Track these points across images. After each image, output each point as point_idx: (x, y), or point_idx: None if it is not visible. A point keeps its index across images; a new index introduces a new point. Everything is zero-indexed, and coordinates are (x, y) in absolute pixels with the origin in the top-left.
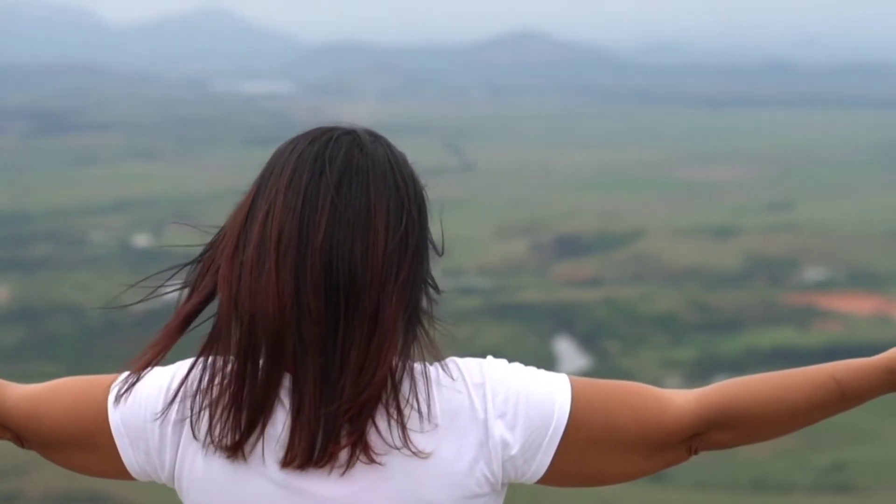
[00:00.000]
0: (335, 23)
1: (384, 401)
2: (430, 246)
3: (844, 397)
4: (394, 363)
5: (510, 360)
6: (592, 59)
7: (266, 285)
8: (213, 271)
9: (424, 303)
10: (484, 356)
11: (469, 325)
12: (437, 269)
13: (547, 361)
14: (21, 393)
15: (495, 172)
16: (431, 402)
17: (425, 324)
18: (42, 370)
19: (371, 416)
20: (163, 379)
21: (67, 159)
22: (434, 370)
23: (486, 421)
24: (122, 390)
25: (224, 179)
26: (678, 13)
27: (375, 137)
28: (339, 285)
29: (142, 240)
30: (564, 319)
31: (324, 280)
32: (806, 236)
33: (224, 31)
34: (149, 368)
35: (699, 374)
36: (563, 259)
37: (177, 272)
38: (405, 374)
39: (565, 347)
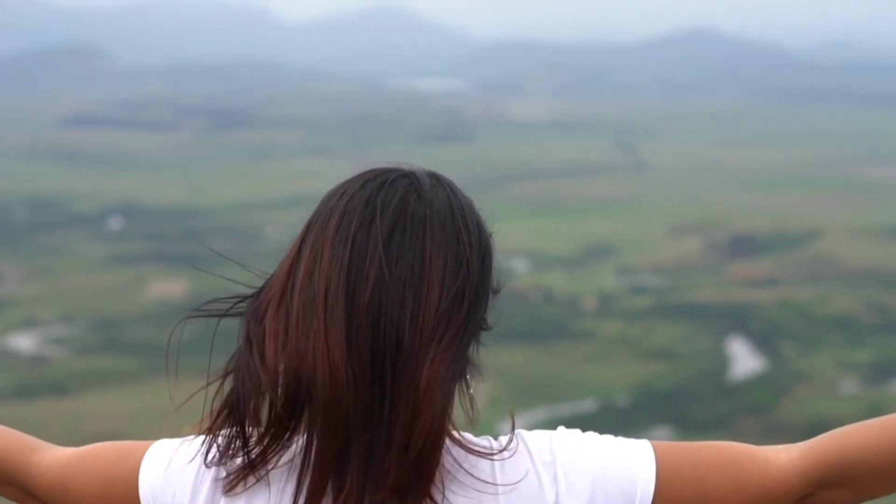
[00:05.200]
0: (507, 20)
1: (438, 482)
2: (490, 292)
3: None
4: (447, 438)
5: (679, 362)
6: (767, 56)
7: (314, 347)
8: (255, 323)
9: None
10: (556, 427)
11: (641, 325)
12: (610, 267)
13: (720, 362)
14: (50, 461)
15: (668, 170)
16: (493, 484)
17: (470, 381)
18: (215, 364)
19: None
20: (194, 454)
21: (243, 155)
22: (497, 445)
23: None
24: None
25: None
26: (855, 10)
27: (437, 181)
28: (385, 350)
29: None
30: (738, 320)
31: (371, 344)
32: None
33: (398, 28)
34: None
35: (877, 376)
36: (738, 258)
37: (221, 312)
38: (462, 450)
39: (739, 348)
